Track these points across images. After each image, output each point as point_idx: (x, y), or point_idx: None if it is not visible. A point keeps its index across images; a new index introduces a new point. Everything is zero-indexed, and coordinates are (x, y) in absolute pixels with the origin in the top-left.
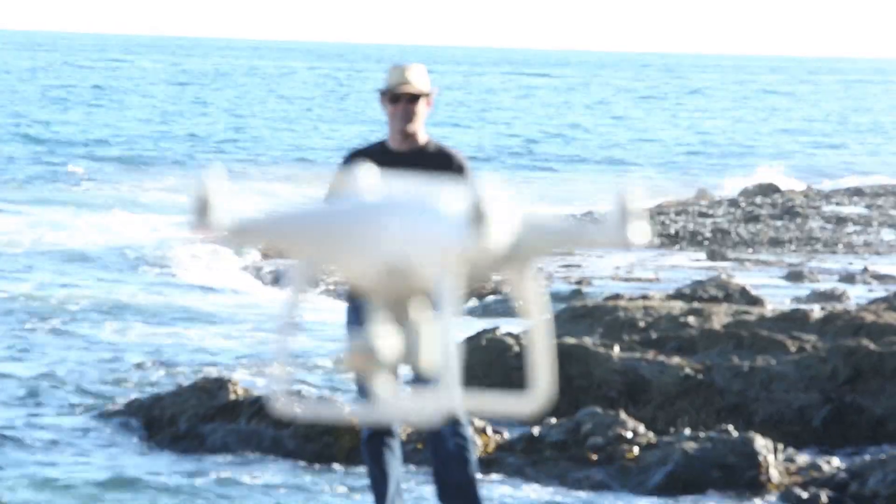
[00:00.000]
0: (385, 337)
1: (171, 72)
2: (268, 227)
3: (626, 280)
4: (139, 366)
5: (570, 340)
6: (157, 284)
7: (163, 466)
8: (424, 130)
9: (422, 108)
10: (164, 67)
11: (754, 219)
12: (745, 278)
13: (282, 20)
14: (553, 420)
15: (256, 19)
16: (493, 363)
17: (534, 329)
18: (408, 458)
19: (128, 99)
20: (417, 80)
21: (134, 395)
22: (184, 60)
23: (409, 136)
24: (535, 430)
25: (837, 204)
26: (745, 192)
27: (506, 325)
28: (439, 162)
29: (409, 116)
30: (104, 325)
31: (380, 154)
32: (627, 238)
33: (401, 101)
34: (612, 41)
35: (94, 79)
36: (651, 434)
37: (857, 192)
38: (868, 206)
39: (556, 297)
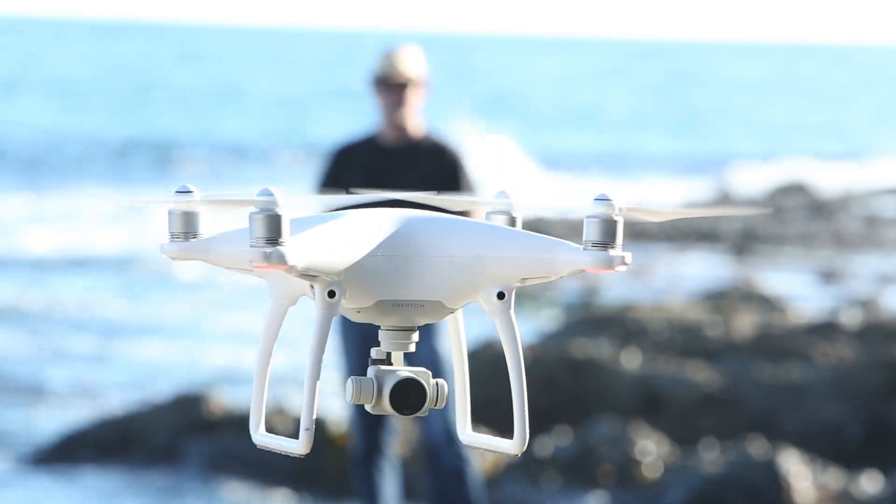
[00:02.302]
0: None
1: None
2: (335, 261)
3: (643, 283)
4: (113, 380)
5: (582, 350)
6: (131, 294)
7: (138, 485)
8: (419, 121)
9: (413, 95)
10: None
11: (783, 217)
12: (772, 281)
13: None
14: (562, 436)
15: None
16: (498, 372)
17: (512, 365)
18: (404, 477)
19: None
20: (409, 65)
21: (108, 410)
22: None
23: (401, 128)
24: (543, 445)
25: (872, 201)
26: (774, 189)
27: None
28: (430, 158)
29: (397, 106)
30: (78, 335)
31: (368, 149)
32: (610, 266)
33: (391, 90)
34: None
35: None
36: (668, 452)
37: (892, 190)
38: None
39: (565, 303)
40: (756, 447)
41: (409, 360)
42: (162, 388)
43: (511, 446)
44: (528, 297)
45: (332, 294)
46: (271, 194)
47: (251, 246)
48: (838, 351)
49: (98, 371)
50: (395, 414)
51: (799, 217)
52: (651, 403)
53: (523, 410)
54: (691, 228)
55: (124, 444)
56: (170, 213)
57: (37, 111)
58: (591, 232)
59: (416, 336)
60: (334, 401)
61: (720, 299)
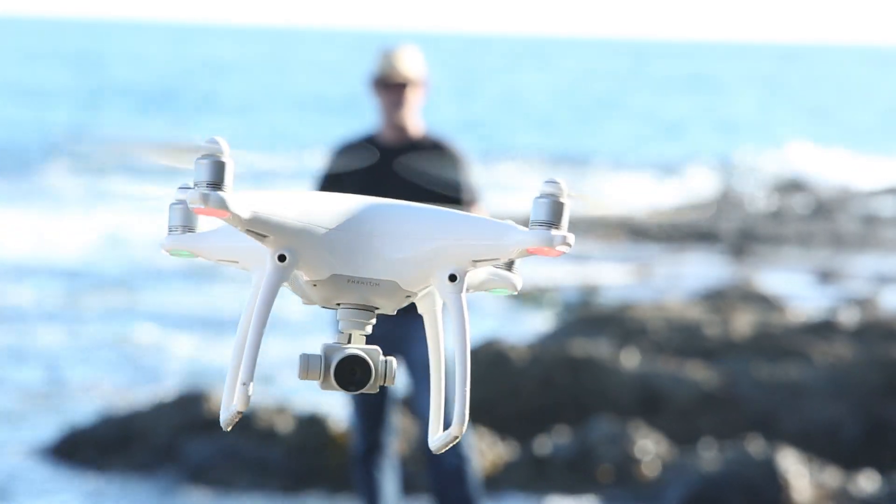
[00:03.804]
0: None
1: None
2: (286, 224)
3: (642, 283)
4: (113, 376)
5: (581, 350)
6: (135, 289)
7: (140, 483)
8: (419, 120)
9: (412, 95)
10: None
11: (782, 216)
12: (770, 280)
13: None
14: (561, 433)
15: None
16: (498, 372)
17: (458, 347)
18: (405, 475)
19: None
20: (408, 65)
21: (109, 408)
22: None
23: (401, 128)
24: (542, 445)
25: (871, 201)
26: (773, 188)
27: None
28: (431, 157)
29: (398, 106)
30: (79, 332)
31: (369, 148)
32: (551, 245)
33: (391, 90)
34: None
35: None
36: (667, 450)
37: (892, 190)
38: None
39: (564, 302)
40: (754, 446)
41: (408, 359)
42: (165, 385)
43: (450, 430)
44: (527, 297)
45: (282, 258)
46: (217, 142)
47: (192, 189)
48: (836, 350)
49: (101, 367)
50: (342, 390)
51: (798, 216)
52: (650, 402)
53: (464, 393)
54: (690, 228)
55: (126, 441)
56: (170, 207)
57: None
58: (537, 212)
59: (373, 319)
60: (335, 399)
61: (719, 299)
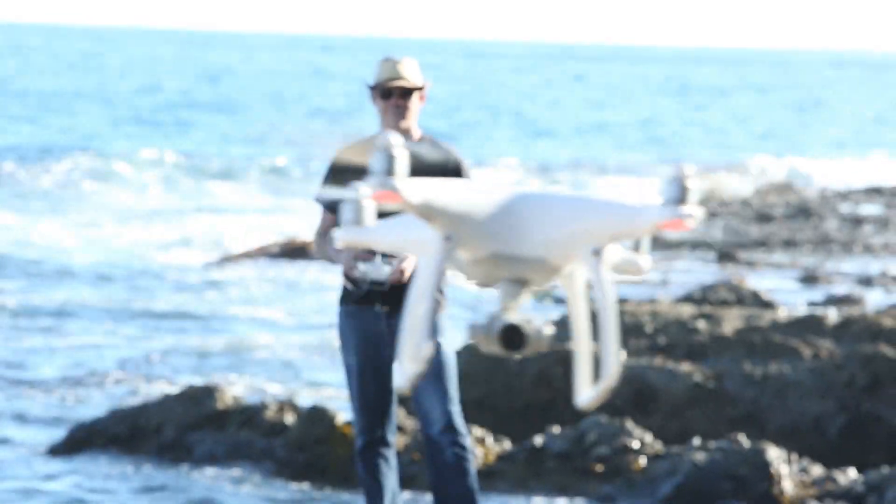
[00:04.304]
0: (529, 317)
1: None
2: (452, 212)
3: (633, 283)
4: (124, 372)
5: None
6: (149, 288)
7: (148, 477)
8: (417, 125)
9: (415, 102)
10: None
11: (767, 218)
12: (757, 281)
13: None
14: (556, 430)
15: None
16: (494, 369)
17: (604, 308)
18: (405, 469)
19: None
20: (410, 73)
21: (119, 403)
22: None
23: (403, 133)
24: (538, 441)
25: (855, 203)
26: (759, 191)
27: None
28: (435, 158)
29: (401, 112)
30: (90, 329)
31: (371, 150)
32: (681, 219)
33: (392, 96)
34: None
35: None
36: (659, 444)
37: (876, 191)
38: (887, 206)
39: (558, 301)
40: (742, 440)
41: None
42: (174, 379)
43: (604, 382)
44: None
45: (448, 238)
46: (390, 138)
47: (370, 179)
48: (821, 348)
49: (109, 361)
50: (505, 353)
51: (783, 218)
52: (642, 398)
53: (614, 350)
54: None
55: (134, 434)
56: (343, 204)
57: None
58: (666, 192)
59: (527, 292)
60: (339, 394)
61: (708, 298)
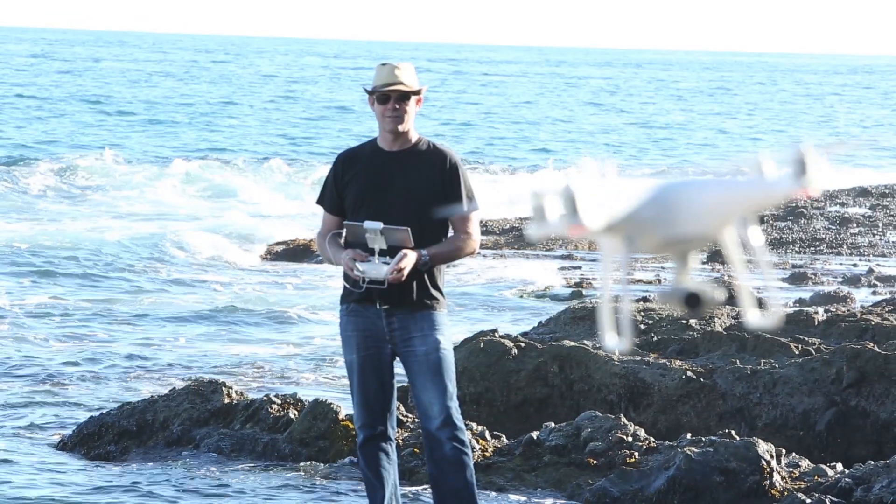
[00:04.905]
0: (701, 283)
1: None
2: (628, 218)
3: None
4: (130, 368)
5: (570, 343)
6: (152, 283)
7: (154, 472)
8: (414, 129)
9: (412, 107)
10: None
11: (758, 219)
12: (747, 280)
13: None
14: (552, 424)
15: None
16: (491, 365)
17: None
18: (405, 463)
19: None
20: (406, 78)
21: (125, 399)
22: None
23: (400, 136)
24: (535, 435)
25: (842, 205)
26: None
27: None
28: (432, 161)
29: (399, 116)
30: (94, 325)
31: (372, 154)
32: (808, 187)
33: (390, 100)
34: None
35: None
36: (652, 438)
37: (863, 192)
38: (873, 207)
39: (555, 298)
40: (733, 434)
41: (409, 353)
42: (180, 375)
43: (773, 312)
44: (525, 292)
45: (630, 238)
46: (568, 185)
47: (560, 222)
48: (809, 345)
49: (116, 358)
50: (688, 311)
51: (773, 219)
52: (635, 394)
53: (772, 283)
54: None
55: (142, 428)
56: (556, 195)
57: None
58: (793, 165)
59: (693, 258)
60: (341, 391)
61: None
